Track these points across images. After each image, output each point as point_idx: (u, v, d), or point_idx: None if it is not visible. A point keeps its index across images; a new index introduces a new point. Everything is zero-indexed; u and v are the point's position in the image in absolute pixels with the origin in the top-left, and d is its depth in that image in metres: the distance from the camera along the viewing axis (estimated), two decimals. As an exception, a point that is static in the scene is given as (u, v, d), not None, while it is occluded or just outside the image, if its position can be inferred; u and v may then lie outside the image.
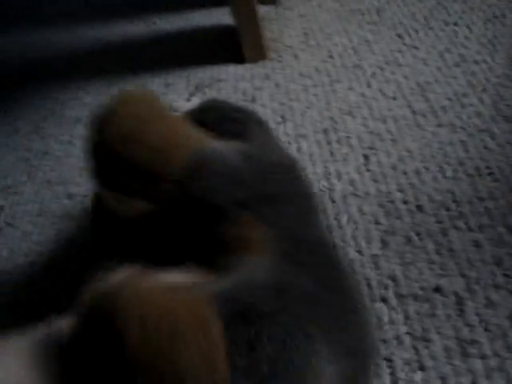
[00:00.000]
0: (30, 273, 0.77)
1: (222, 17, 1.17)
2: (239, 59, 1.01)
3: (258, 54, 0.98)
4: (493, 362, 0.54)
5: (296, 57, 0.98)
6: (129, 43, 1.18)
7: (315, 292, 0.42)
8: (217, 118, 0.57)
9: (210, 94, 0.96)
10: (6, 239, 0.83)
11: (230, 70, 0.99)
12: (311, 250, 0.46)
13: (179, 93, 0.98)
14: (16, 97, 1.12)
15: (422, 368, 0.55)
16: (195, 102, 0.63)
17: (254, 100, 0.91)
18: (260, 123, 0.61)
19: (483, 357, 0.54)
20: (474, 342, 0.55)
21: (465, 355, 0.55)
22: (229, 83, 0.97)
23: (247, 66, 0.99)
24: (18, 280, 0.77)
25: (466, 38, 0.91)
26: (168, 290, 0.37)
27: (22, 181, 0.93)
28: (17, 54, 1.25)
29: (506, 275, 0.61)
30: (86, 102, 1.04)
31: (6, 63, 1.24)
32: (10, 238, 0.83)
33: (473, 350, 0.55)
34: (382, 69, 0.90)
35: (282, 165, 0.51)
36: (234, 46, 1.05)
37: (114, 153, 0.48)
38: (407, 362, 0.55)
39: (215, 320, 0.36)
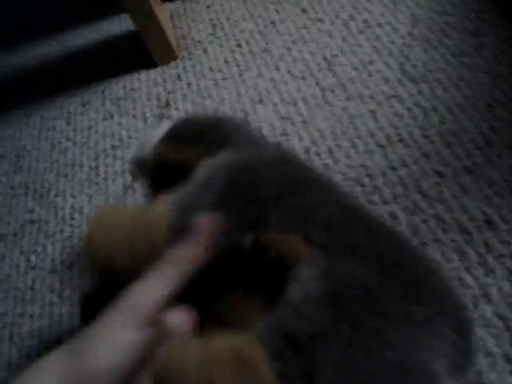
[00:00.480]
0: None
1: (130, 22, 1.14)
2: (152, 64, 0.98)
3: (168, 55, 0.96)
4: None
5: (205, 51, 0.95)
6: (44, 65, 1.15)
7: (372, 281, 0.35)
8: (195, 134, 0.54)
9: (125, 105, 0.94)
10: None
11: (143, 77, 0.97)
12: (354, 231, 0.39)
13: (97, 110, 0.96)
14: None
15: None
16: (164, 125, 0.57)
17: (167, 104, 0.89)
18: (239, 126, 0.57)
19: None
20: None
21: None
22: (142, 91, 0.94)
23: (159, 69, 0.97)
24: None
25: (369, 1, 0.89)
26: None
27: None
28: None
29: (423, 243, 0.60)
30: (7, 135, 1.02)
31: None
32: None
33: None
34: (289, 49, 0.88)
35: (278, 159, 0.47)
36: (145, 51, 1.03)
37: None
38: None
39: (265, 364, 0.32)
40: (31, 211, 0.86)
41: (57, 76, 1.10)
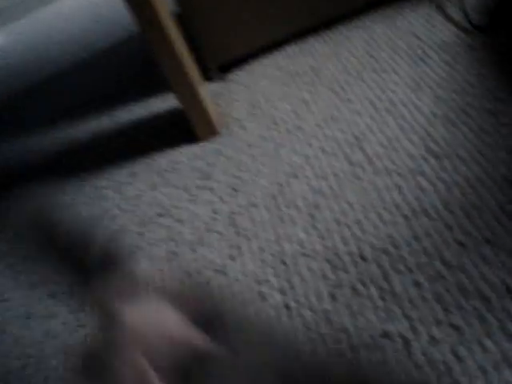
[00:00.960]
0: (24, 376, 0.82)
1: (172, 101, 1.24)
2: (194, 138, 1.07)
3: (209, 130, 1.05)
4: (439, 399, 0.56)
5: (244, 128, 1.04)
6: (94, 139, 1.25)
7: None
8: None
9: (169, 176, 1.02)
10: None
11: (185, 151, 1.06)
12: None
13: (143, 180, 1.05)
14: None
15: (375, 416, 0.58)
16: None
17: (208, 177, 0.97)
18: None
19: (430, 395, 0.57)
20: (424, 382, 0.58)
21: (413, 396, 0.57)
22: (185, 164, 1.03)
23: (200, 144, 1.06)
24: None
25: (395, 82, 0.97)
26: None
27: (9, 287, 0.98)
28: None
29: (445, 310, 0.64)
30: (62, 203, 1.11)
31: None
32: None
33: (420, 390, 0.58)
34: (320, 127, 0.95)
35: None
36: (189, 126, 1.12)
37: None
38: (362, 412, 0.58)
39: None
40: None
41: (106, 148, 1.20)
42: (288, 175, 0.90)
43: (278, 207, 0.85)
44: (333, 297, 0.70)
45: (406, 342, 0.62)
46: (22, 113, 1.53)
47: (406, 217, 0.75)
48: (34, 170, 1.27)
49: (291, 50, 1.19)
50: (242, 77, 1.19)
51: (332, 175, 0.86)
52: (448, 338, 0.61)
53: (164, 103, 1.25)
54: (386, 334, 0.64)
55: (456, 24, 1.02)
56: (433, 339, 0.61)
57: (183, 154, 1.06)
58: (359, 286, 0.70)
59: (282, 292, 0.74)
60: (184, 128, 1.13)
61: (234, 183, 0.93)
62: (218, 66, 1.21)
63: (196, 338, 0.43)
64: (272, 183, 0.90)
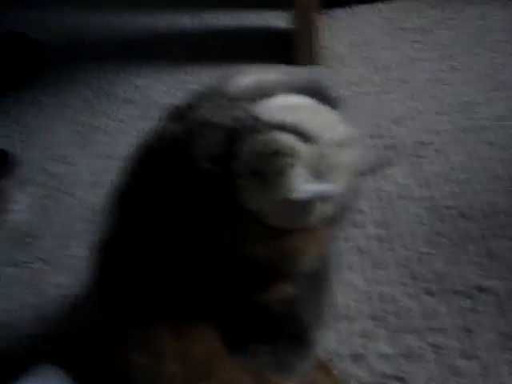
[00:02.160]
0: (85, 239, 0.81)
1: (269, 19, 1.22)
2: (288, 62, 1.06)
3: (310, 58, 1.04)
4: (529, 356, 0.59)
5: (344, 64, 1.04)
6: (176, 35, 1.22)
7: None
8: None
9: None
10: (59, 204, 0.87)
11: (280, 71, 1.05)
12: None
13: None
14: (68, 73, 1.16)
15: (464, 356, 0.60)
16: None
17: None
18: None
19: (520, 350, 0.60)
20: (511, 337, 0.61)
21: (505, 348, 0.60)
22: (278, 82, 1.02)
23: (297, 68, 1.05)
24: (77, 243, 0.81)
25: (505, 65, 0.98)
26: None
27: (74, 152, 0.97)
28: (69, 34, 1.29)
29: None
30: (136, 85, 1.09)
31: (60, 42, 1.27)
32: (64, 203, 0.87)
33: (511, 345, 0.61)
34: (425, 85, 0.96)
35: None
36: (282, 49, 1.11)
37: None
38: (451, 350, 0.61)
39: None
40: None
41: (190, 45, 1.17)
42: (389, 120, 0.90)
43: (376, 147, 0.86)
44: (428, 242, 0.72)
45: (499, 300, 0.65)
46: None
47: (506, 189, 0.78)
48: (113, 47, 1.23)
49: (397, 4, 1.18)
50: (344, 17, 1.17)
51: (434, 132, 0.87)
52: (540, 306, 0.64)
53: (252, 19, 1.23)
54: (479, 288, 0.66)
55: None
56: (526, 303, 0.64)
57: (276, 72, 1.04)
58: (456, 239, 0.72)
59: (376, 225, 0.75)
60: (276, 49, 1.12)
61: (330, 113, 0.93)
62: (321, 1, 1.19)
63: None
64: (371, 124, 0.90)
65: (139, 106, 1.04)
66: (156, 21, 1.28)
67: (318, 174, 0.40)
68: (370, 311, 0.66)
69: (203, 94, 0.46)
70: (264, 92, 0.43)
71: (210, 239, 0.42)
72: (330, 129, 0.41)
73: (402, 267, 0.70)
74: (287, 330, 0.45)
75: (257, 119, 0.40)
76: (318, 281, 0.48)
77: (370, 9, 1.18)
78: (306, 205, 0.40)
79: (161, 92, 1.06)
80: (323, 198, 0.40)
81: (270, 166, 0.39)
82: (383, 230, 0.74)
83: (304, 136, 0.39)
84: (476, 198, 0.77)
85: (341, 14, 1.18)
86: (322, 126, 0.41)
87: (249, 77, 0.45)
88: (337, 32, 1.13)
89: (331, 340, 0.63)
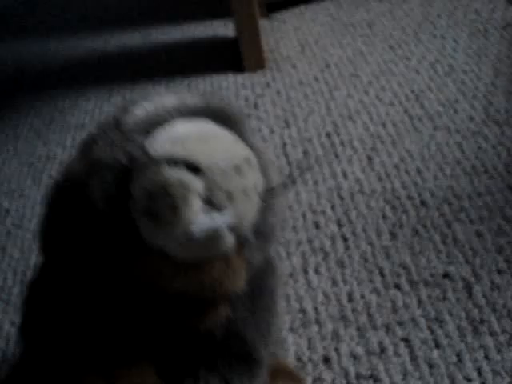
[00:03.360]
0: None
1: (216, 29, 1.21)
2: (238, 69, 1.05)
3: (258, 63, 1.03)
4: (502, 338, 0.58)
5: (294, 66, 1.03)
6: (126, 53, 1.21)
7: None
8: None
9: (213, 100, 1.00)
10: (15, 241, 0.85)
11: (230, 79, 1.04)
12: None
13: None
14: (14, 105, 1.14)
15: (438, 346, 0.59)
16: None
17: (256, 106, 0.96)
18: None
19: (493, 334, 0.59)
20: (483, 321, 0.60)
21: (477, 333, 0.59)
22: (230, 91, 1.01)
23: (246, 74, 1.04)
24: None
25: (454, 49, 0.98)
26: None
27: (27, 185, 0.94)
28: (12, 64, 1.27)
29: (507, 261, 0.66)
30: (87, 109, 1.07)
31: (1, 73, 1.25)
32: (20, 239, 0.85)
33: (483, 329, 0.59)
34: (377, 78, 0.96)
35: None
36: (231, 56, 1.10)
37: None
38: (424, 342, 0.60)
39: None
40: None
41: (139, 64, 1.16)
42: (343, 117, 0.89)
43: (333, 145, 0.85)
44: (393, 235, 0.71)
45: (468, 285, 0.64)
46: (45, 18, 1.46)
47: (466, 172, 0.77)
48: (55, 75, 1.21)
49: (343, 1, 1.18)
50: (291, 18, 1.17)
51: (390, 123, 0.86)
52: (509, 286, 0.63)
53: (200, 31, 1.22)
54: (447, 275, 0.65)
55: (516, 7, 1.04)
56: (494, 285, 0.63)
57: (227, 81, 1.03)
58: (420, 229, 0.71)
59: (339, 224, 0.74)
60: (225, 57, 1.11)
61: (284, 116, 0.92)
62: (266, 4, 1.18)
63: None
64: (326, 122, 0.89)
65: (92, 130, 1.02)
66: (104, 41, 1.26)
67: (214, 204, 0.38)
68: (339, 312, 0.64)
69: (102, 126, 0.44)
70: (158, 121, 0.41)
71: (123, 278, 0.40)
72: (224, 154, 0.39)
73: (369, 264, 0.69)
74: (233, 353, 0.44)
75: (146, 154, 0.39)
76: (257, 298, 0.46)
77: (316, 8, 1.18)
78: (208, 237, 0.38)
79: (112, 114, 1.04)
80: (225, 227, 0.38)
81: (161, 204, 0.37)
82: (347, 229, 0.73)
83: (193, 167, 0.38)
84: (436, 185, 0.76)
85: (287, 16, 1.18)
86: (214, 153, 0.39)
87: (143, 106, 0.43)
88: (284, 34, 1.12)
89: (302, 346, 0.61)
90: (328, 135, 0.87)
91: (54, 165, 0.96)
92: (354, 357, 0.60)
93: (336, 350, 0.61)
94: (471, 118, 0.84)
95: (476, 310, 0.61)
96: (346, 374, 0.59)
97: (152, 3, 1.38)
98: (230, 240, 0.39)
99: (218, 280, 0.39)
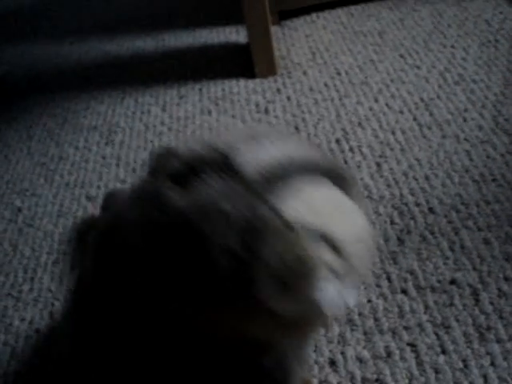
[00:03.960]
0: (54, 270, 0.80)
1: (228, 35, 1.22)
2: (249, 75, 1.06)
3: (269, 69, 1.04)
4: (509, 345, 0.59)
5: (305, 73, 1.04)
6: (138, 57, 1.22)
7: None
8: None
9: (224, 105, 1.01)
10: (26, 239, 0.86)
11: (241, 84, 1.05)
12: None
13: (194, 104, 1.03)
14: (28, 106, 1.15)
15: (444, 352, 0.59)
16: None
17: (266, 112, 0.97)
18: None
19: (499, 341, 0.59)
20: (490, 328, 0.60)
21: (483, 339, 0.60)
22: (241, 96, 1.02)
23: (258, 80, 1.05)
24: (42, 277, 0.79)
25: (464, 59, 0.98)
26: None
27: (40, 184, 0.95)
28: (27, 66, 1.29)
29: (514, 269, 0.66)
30: (100, 111, 1.08)
31: (15, 75, 1.27)
32: (31, 237, 0.86)
33: (490, 335, 0.60)
34: (387, 86, 0.96)
35: None
36: (243, 62, 1.11)
37: None
38: (430, 347, 0.60)
39: None
40: (123, 181, 0.92)
41: (151, 68, 1.17)
42: (353, 124, 0.90)
43: (342, 151, 0.86)
44: (400, 241, 0.71)
45: (475, 292, 0.64)
46: (58, 21, 1.48)
47: (475, 180, 0.77)
48: (68, 78, 1.22)
49: (355, 10, 1.19)
50: (302, 26, 1.18)
51: (399, 131, 0.87)
52: (516, 294, 0.63)
53: (213, 36, 1.23)
54: (454, 281, 0.66)
55: (526, 18, 1.05)
56: (502, 293, 0.64)
57: (238, 86, 1.04)
58: (428, 235, 0.71)
59: (347, 228, 0.74)
60: (237, 63, 1.12)
61: (294, 122, 0.93)
62: (278, 12, 1.19)
63: None
64: (336, 129, 0.90)
65: (104, 132, 1.03)
66: (117, 45, 1.28)
67: (339, 274, 0.37)
68: (346, 316, 0.65)
69: (205, 158, 0.39)
70: (282, 175, 0.37)
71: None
72: (348, 223, 0.38)
73: (376, 269, 0.69)
74: (272, 379, 0.43)
75: (280, 217, 0.36)
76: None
77: (327, 16, 1.19)
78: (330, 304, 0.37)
79: (125, 116, 1.05)
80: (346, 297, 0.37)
81: (294, 272, 0.36)
82: (355, 233, 0.74)
83: (325, 237, 0.36)
84: (445, 192, 0.76)
85: (299, 24, 1.19)
86: (341, 222, 0.37)
87: (263, 150, 0.39)
88: (296, 41, 1.13)
89: (309, 349, 0.62)
90: (337, 141, 0.88)
91: (66, 165, 0.98)
92: (360, 360, 0.60)
93: (342, 353, 0.61)
94: (480, 127, 0.85)
95: (483, 317, 0.62)
96: (352, 378, 0.59)
97: (165, 8, 1.39)
98: (345, 305, 0.38)
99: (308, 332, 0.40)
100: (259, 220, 0.36)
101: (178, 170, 0.39)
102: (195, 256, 0.36)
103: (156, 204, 0.37)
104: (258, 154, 0.38)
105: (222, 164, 0.38)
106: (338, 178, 0.40)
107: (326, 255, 0.36)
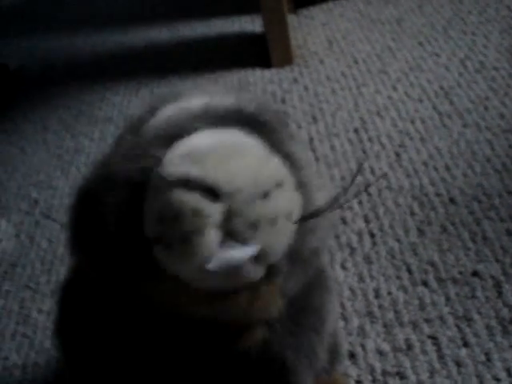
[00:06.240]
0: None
1: (243, 24, 1.21)
2: (265, 64, 1.05)
3: (285, 58, 1.03)
4: (533, 339, 0.57)
5: (322, 62, 1.02)
6: (153, 48, 1.21)
7: None
8: None
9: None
10: (43, 231, 0.86)
11: (258, 74, 1.04)
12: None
13: (208, 94, 1.02)
14: (43, 98, 1.15)
15: (466, 345, 0.58)
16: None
17: (283, 102, 0.96)
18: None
19: (523, 334, 0.58)
20: (513, 320, 0.59)
21: (506, 332, 0.58)
22: (258, 86, 1.01)
23: (274, 70, 1.03)
24: (59, 269, 0.79)
25: (484, 46, 0.96)
26: None
27: (56, 176, 0.95)
28: (41, 58, 1.28)
29: (538, 261, 0.65)
30: (115, 103, 1.08)
31: (30, 67, 1.27)
32: (48, 229, 0.86)
33: (513, 328, 0.58)
34: (406, 74, 0.95)
35: None
36: (259, 52, 1.10)
37: None
38: (452, 340, 0.59)
39: None
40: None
41: (166, 58, 1.16)
42: (371, 113, 0.89)
43: (360, 141, 0.84)
44: (421, 232, 0.70)
45: (497, 284, 0.63)
46: (73, 13, 1.47)
47: (497, 170, 0.75)
48: (83, 69, 1.22)
49: (372, -3, 1.17)
50: (318, 14, 1.16)
51: (419, 120, 0.85)
52: (540, 286, 0.62)
53: (228, 26, 1.22)
54: (476, 273, 0.64)
55: (549, 3, 1.02)
56: (525, 285, 0.62)
57: (255, 76, 1.03)
58: (449, 226, 0.70)
59: (367, 220, 0.73)
60: (252, 53, 1.11)
61: (312, 112, 0.92)
62: (294, 0, 1.18)
63: None
64: (354, 118, 0.88)
65: (119, 123, 1.02)
66: (132, 36, 1.27)
67: (235, 234, 0.32)
68: (365, 308, 0.64)
69: (125, 128, 0.39)
70: (181, 130, 0.35)
71: (141, 302, 0.37)
72: (251, 176, 0.33)
73: (396, 260, 0.68)
74: (270, 376, 0.41)
75: (160, 173, 0.33)
76: (300, 318, 0.42)
77: (345, 4, 1.17)
78: (226, 271, 0.33)
79: (140, 108, 1.04)
80: (245, 260, 0.33)
81: (173, 232, 0.32)
82: (374, 225, 0.73)
83: (212, 192, 0.32)
84: (466, 182, 0.75)
85: (316, 12, 1.17)
86: (238, 175, 0.32)
87: (167, 109, 0.38)
88: (313, 30, 1.11)
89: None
90: (356, 131, 0.86)
91: (81, 157, 0.97)
92: (381, 353, 0.59)
93: (362, 345, 0.60)
94: (502, 116, 0.83)
95: (506, 310, 0.60)
96: (372, 371, 0.58)
97: (180, -1, 1.38)
98: (254, 271, 0.34)
99: (245, 309, 0.35)
100: (143, 177, 0.34)
101: (118, 136, 0.40)
102: (95, 221, 0.35)
103: (83, 183, 0.38)
104: (163, 114, 0.37)
105: (133, 131, 0.38)
106: (260, 127, 0.37)
107: (209, 207, 0.32)
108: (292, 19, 1.16)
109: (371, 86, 0.94)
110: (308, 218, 0.35)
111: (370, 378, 0.58)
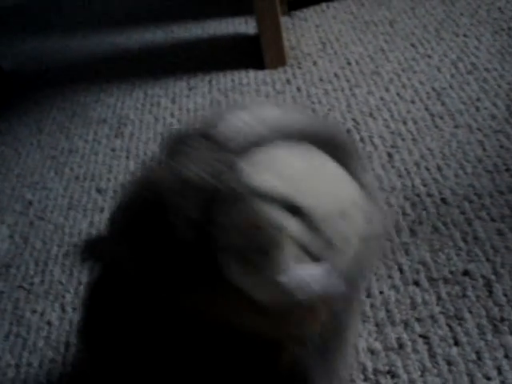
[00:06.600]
0: (64, 262, 0.80)
1: (237, 26, 1.22)
2: (258, 66, 1.06)
3: (278, 60, 1.03)
4: (523, 337, 0.58)
5: (315, 63, 1.03)
6: (147, 49, 1.22)
7: None
8: None
9: (233, 96, 1.00)
10: (37, 232, 0.86)
11: (251, 75, 1.04)
12: None
13: (203, 96, 1.02)
14: (38, 100, 1.15)
15: (457, 344, 0.59)
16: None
17: (278, 103, 0.96)
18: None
19: (513, 332, 0.58)
20: (504, 319, 0.60)
21: (497, 331, 0.59)
22: (251, 87, 1.01)
23: (267, 71, 1.04)
24: (57, 268, 0.79)
25: (476, 48, 0.97)
26: None
27: (50, 177, 0.95)
28: (36, 59, 1.29)
29: (529, 260, 0.65)
30: (109, 104, 1.08)
31: (25, 69, 1.27)
32: (42, 230, 0.86)
33: (504, 327, 0.59)
34: (398, 75, 0.95)
35: None
36: (252, 53, 1.10)
37: None
38: (443, 339, 0.59)
39: None
40: (133, 173, 0.92)
41: (160, 60, 1.17)
42: (364, 114, 0.89)
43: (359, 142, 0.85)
44: (412, 232, 0.71)
45: (488, 283, 0.63)
46: (68, 15, 1.47)
47: (488, 171, 0.76)
48: (77, 70, 1.22)
49: (365, -1, 1.18)
50: (311, 16, 1.17)
51: (411, 121, 0.86)
52: (531, 286, 0.62)
53: (222, 28, 1.22)
54: (467, 273, 0.65)
55: (540, 5, 1.03)
56: (515, 284, 0.63)
57: (248, 78, 1.04)
58: (440, 226, 0.70)
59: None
60: (246, 54, 1.11)
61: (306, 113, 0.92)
62: (288, 2, 1.18)
63: None
64: (347, 119, 0.89)
65: (113, 124, 1.03)
66: (127, 38, 1.28)
67: (311, 252, 0.32)
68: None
69: (190, 133, 0.38)
70: (256, 140, 0.35)
71: (192, 312, 0.36)
72: (331, 195, 0.33)
73: (388, 260, 0.68)
74: None
75: (240, 183, 0.32)
76: (329, 337, 0.41)
77: (338, 6, 1.18)
78: (298, 290, 0.32)
79: (134, 109, 1.05)
80: (319, 282, 0.32)
81: (251, 244, 0.32)
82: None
83: (294, 209, 0.32)
84: (457, 183, 0.75)
85: (309, 14, 1.18)
86: (319, 194, 0.33)
87: (240, 116, 0.37)
88: (305, 32, 1.12)
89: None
90: (348, 131, 0.87)
91: (75, 158, 0.98)
92: (372, 352, 0.60)
93: (354, 344, 0.61)
94: (493, 116, 0.84)
95: (496, 309, 0.61)
96: (364, 369, 0.59)
97: (174, 0, 1.38)
98: (319, 291, 0.33)
99: (298, 327, 0.35)
100: (222, 187, 0.33)
101: (171, 147, 0.38)
102: (163, 231, 0.34)
103: (144, 182, 0.37)
104: (236, 123, 0.37)
105: (202, 135, 0.36)
106: (335, 148, 0.37)
107: (294, 229, 0.31)
108: (285, 21, 1.16)
109: (364, 87, 0.95)
110: (369, 241, 0.36)
111: (361, 376, 0.58)
